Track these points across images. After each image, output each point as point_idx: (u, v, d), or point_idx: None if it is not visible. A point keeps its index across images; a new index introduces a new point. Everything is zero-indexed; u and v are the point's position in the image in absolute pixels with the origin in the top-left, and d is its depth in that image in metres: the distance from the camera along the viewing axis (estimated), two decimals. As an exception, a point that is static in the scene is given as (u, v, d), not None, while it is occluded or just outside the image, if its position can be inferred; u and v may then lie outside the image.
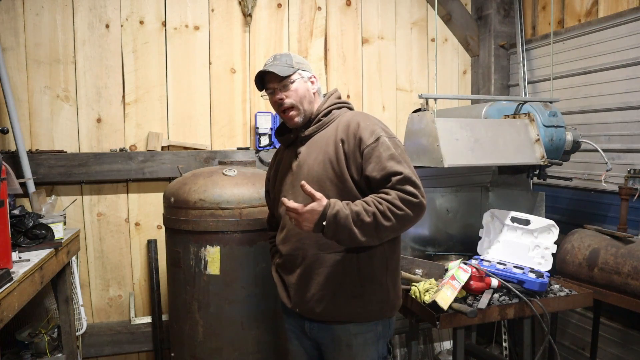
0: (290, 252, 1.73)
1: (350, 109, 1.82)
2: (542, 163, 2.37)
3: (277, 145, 3.11)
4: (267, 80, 1.74)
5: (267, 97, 1.78)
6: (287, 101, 1.70)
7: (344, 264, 1.64)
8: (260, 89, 1.77)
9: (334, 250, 1.64)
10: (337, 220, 1.48)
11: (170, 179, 2.93)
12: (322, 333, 1.73)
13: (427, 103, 2.46)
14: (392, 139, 1.63)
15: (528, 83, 3.25)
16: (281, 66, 1.70)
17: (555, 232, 2.31)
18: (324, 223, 1.48)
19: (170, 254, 2.41)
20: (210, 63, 3.09)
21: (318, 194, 1.50)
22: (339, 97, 1.82)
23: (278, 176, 1.84)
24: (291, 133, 1.80)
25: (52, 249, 2.14)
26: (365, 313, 1.68)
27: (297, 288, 1.72)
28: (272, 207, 1.96)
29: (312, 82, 1.77)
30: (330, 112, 1.75)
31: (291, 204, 1.50)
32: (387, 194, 1.53)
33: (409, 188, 1.51)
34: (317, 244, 1.65)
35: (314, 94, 1.77)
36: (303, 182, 1.51)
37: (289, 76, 1.70)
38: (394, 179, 1.53)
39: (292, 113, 1.72)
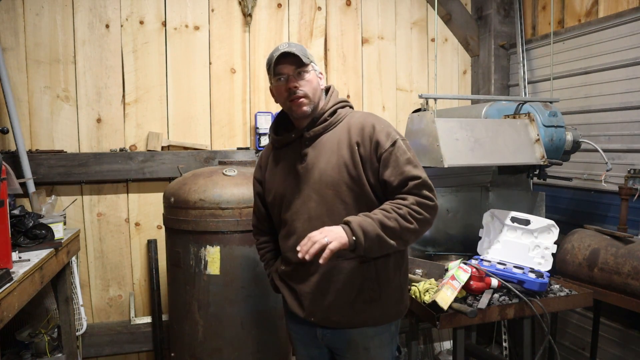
0: (303, 260, 1.65)
1: (351, 107, 1.76)
2: (542, 163, 2.36)
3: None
4: (279, 66, 1.61)
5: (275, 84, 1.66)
6: (301, 90, 1.60)
7: (363, 270, 1.60)
8: (273, 72, 1.63)
9: (350, 257, 1.59)
10: (365, 231, 1.43)
11: (170, 179, 2.93)
12: (337, 338, 1.68)
13: (427, 103, 2.46)
14: (405, 141, 1.61)
15: (528, 83, 3.25)
16: (299, 53, 1.60)
17: (555, 232, 2.30)
18: (354, 238, 1.43)
19: (170, 254, 2.41)
20: (210, 63, 3.09)
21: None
22: (338, 95, 1.75)
23: (277, 179, 1.74)
24: (291, 132, 1.70)
25: (52, 249, 2.14)
26: (383, 316, 1.66)
27: (312, 297, 1.64)
28: (260, 212, 1.86)
29: (320, 78, 1.69)
30: (335, 111, 1.68)
31: (304, 243, 1.41)
32: (404, 199, 1.51)
33: (426, 192, 1.52)
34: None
35: (321, 90, 1.69)
36: (298, 249, 1.41)
37: (307, 64, 1.61)
38: (412, 183, 1.52)
39: (304, 100, 1.60)
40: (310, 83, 1.62)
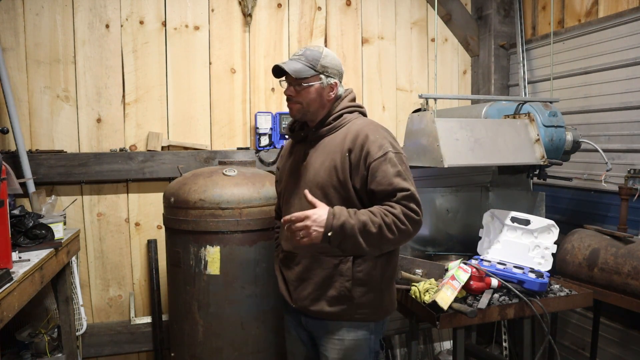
0: (291, 249, 1.77)
1: (363, 113, 1.81)
2: (542, 163, 2.36)
3: (277, 146, 3.13)
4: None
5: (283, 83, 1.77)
6: (295, 99, 1.72)
7: (341, 267, 1.68)
8: (276, 76, 1.74)
9: (332, 254, 1.67)
10: (344, 230, 1.51)
11: (170, 179, 2.93)
12: (316, 326, 1.79)
13: (427, 103, 2.46)
14: (399, 155, 1.64)
15: (528, 83, 3.25)
16: (302, 64, 1.67)
17: (555, 232, 2.31)
18: (329, 234, 1.50)
19: (170, 254, 2.41)
20: (210, 63, 3.09)
21: (319, 203, 1.56)
22: (353, 99, 1.80)
23: (285, 171, 1.87)
24: (302, 130, 1.81)
25: (52, 249, 2.14)
26: (358, 315, 1.72)
27: (295, 285, 1.77)
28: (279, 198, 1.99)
29: (332, 89, 1.73)
30: (341, 115, 1.74)
31: (296, 214, 1.54)
32: (392, 207, 1.56)
33: (413, 206, 1.57)
34: (317, 246, 1.64)
35: (328, 100, 1.74)
36: (306, 191, 1.57)
37: (303, 78, 1.68)
38: (400, 194, 1.57)
39: (295, 107, 1.73)
40: (307, 94, 1.70)
